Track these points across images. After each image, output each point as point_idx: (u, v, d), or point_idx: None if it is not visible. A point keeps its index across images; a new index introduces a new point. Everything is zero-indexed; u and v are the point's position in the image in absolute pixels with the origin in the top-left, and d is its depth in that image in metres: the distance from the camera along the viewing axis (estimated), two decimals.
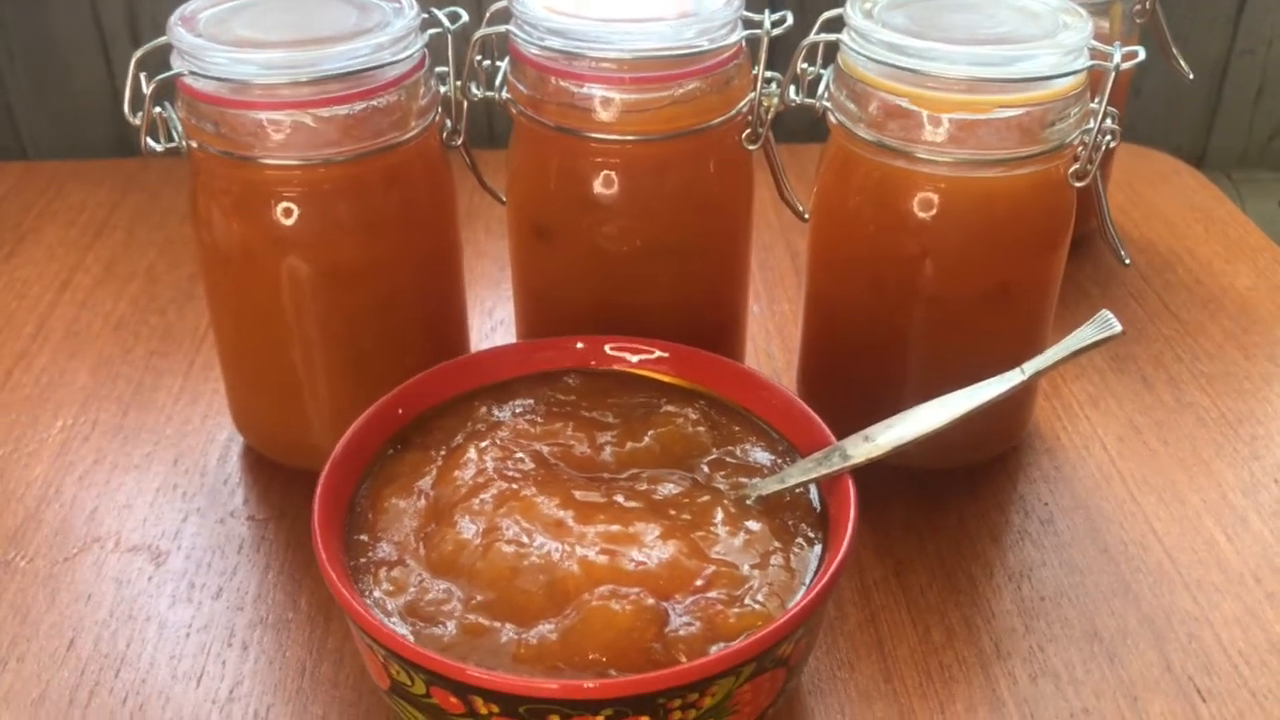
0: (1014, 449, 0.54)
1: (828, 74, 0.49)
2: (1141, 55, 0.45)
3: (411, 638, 0.35)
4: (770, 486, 0.41)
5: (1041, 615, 0.46)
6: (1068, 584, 0.47)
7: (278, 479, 0.52)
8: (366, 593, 0.37)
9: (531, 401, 0.45)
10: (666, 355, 0.46)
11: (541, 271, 0.52)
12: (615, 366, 0.47)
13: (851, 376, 0.52)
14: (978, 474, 0.53)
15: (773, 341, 0.62)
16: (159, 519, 0.50)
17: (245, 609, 0.46)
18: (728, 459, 0.43)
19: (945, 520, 0.50)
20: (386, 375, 0.46)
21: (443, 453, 0.43)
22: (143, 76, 0.45)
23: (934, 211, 0.46)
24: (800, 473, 0.41)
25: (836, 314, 0.52)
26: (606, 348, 0.47)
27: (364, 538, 0.40)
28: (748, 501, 0.41)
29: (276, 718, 0.42)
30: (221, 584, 0.47)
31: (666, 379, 0.46)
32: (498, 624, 0.36)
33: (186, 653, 0.44)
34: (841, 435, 0.42)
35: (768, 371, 0.59)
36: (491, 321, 0.64)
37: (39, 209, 0.74)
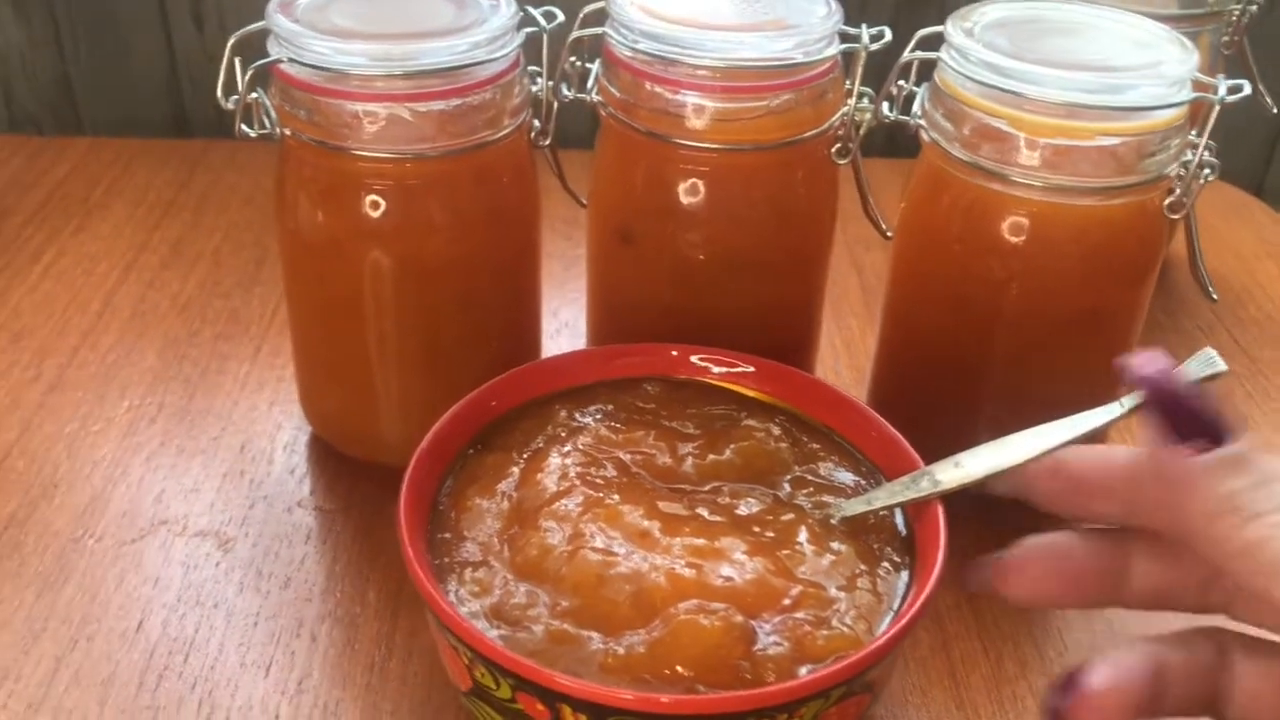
0: None
1: (922, 91, 0.48)
2: (1247, 90, 0.44)
3: (500, 641, 0.35)
4: (856, 508, 0.41)
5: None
6: (1143, 617, 0.46)
7: (344, 471, 0.52)
8: (451, 592, 0.37)
9: (611, 407, 0.45)
10: (752, 369, 0.46)
11: (620, 276, 0.52)
12: (696, 376, 0.46)
13: (927, 398, 0.51)
14: None
15: (840, 359, 0.62)
16: (226, 505, 0.50)
17: (314, 600, 0.46)
18: (809, 477, 0.43)
19: None
20: (460, 372, 0.46)
21: (525, 455, 0.42)
22: (237, 61, 0.45)
23: (1025, 236, 0.46)
24: (887, 495, 0.41)
25: (916, 333, 0.51)
26: (693, 358, 0.46)
27: (447, 536, 0.39)
28: (831, 521, 0.40)
29: (346, 713, 0.41)
30: (289, 574, 0.47)
31: (747, 392, 0.46)
32: (585, 632, 0.36)
33: (255, 641, 0.44)
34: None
35: None
36: (556, 323, 0.63)
37: (105, 184, 0.74)
